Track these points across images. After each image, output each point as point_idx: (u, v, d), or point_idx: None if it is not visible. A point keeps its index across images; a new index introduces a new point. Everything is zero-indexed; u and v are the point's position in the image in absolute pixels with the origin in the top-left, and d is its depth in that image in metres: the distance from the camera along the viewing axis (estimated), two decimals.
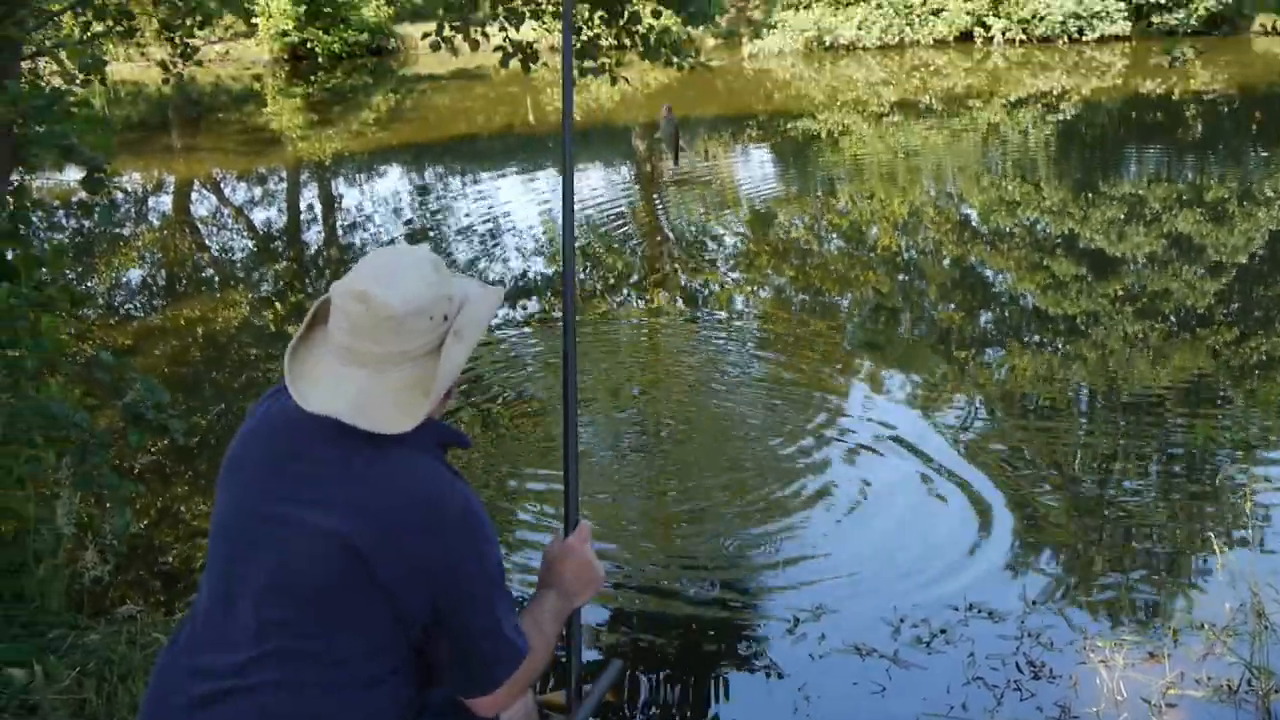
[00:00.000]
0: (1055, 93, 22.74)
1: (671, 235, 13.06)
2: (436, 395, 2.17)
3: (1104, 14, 29.61)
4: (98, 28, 7.49)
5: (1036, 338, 8.87)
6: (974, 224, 12.92)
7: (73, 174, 14.80)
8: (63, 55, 6.02)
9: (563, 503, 2.65)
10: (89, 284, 11.43)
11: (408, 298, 2.15)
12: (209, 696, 2.13)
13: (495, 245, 12.47)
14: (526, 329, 9.50)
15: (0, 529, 4.71)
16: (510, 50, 8.07)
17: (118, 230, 13.85)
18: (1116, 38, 29.75)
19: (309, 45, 32.52)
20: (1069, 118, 20.18)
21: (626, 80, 8.77)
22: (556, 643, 2.42)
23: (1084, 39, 29.69)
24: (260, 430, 2.27)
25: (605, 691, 2.54)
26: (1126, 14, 29.68)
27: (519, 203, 14.63)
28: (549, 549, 2.55)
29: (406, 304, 2.15)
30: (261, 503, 2.19)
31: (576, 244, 12.16)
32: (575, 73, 8.50)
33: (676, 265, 11.73)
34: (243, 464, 2.26)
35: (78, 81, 6.71)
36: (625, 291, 10.83)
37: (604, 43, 8.77)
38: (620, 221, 13.67)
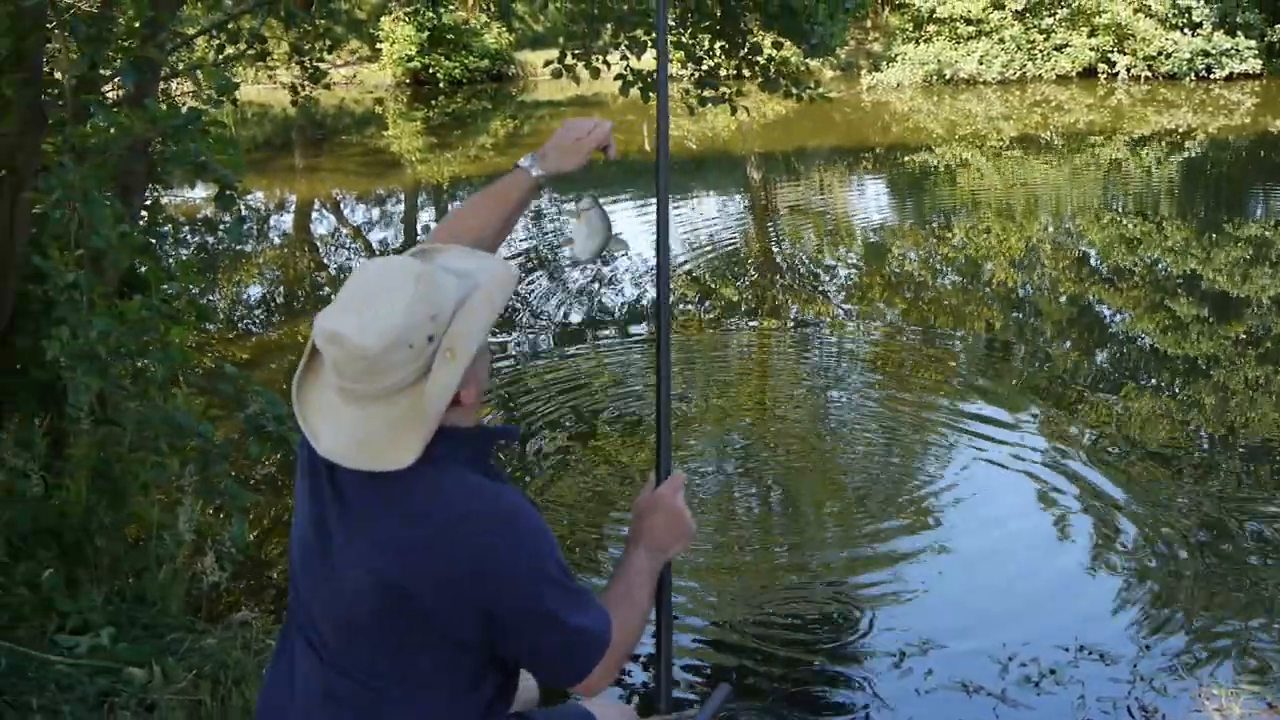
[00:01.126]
0: (1180, 130, 22.32)
1: (784, 265, 13.05)
2: (429, 425, 2.02)
3: (1234, 51, 28.95)
4: (231, 51, 7.71)
5: (1155, 379, 8.71)
6: (1092, 261, 12.72)
7: (198, 191, 15.25)
8: (199, 76, 6.21)
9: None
10: (211, 299, 11.73)
11: (382, 331, 2.00)
12: None
13: (609, 271, 12.56)
14: (636, 354, 9.54)
15: (126, 533, 4.84)
16: (630, 78, 8.14)
17: (240, 247, 14.20)
18: (1246, 75, 29.09)
19: (431, 70, 33.10)
20: (1194, 155, 19.80)
21: (746, 110, 8.79)
22: (651, 605, 2.36)
23: (1212, 77, 29.07)
24: (306, 460, 2.24)
25: (715, 713, 2.52)
26: (1257, 52, 29.01)
27: (632, 229, 14.71)
28: (639, 501, 2.44)
29: (381, 339, 2.00)
30: (314, 535, 2.19)
31: (688, 271, 12.24)
32: (694, 101, 8.57)
33: (788, 295, 11.72)
34: (299, 494, 2.25)
35: (210, 102, 6.92)
36: (736, 319, 10.84)
37: (724, 72, 8.81)
38: (733, 250, 13.70)
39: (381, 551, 2.05)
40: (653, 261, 12.67)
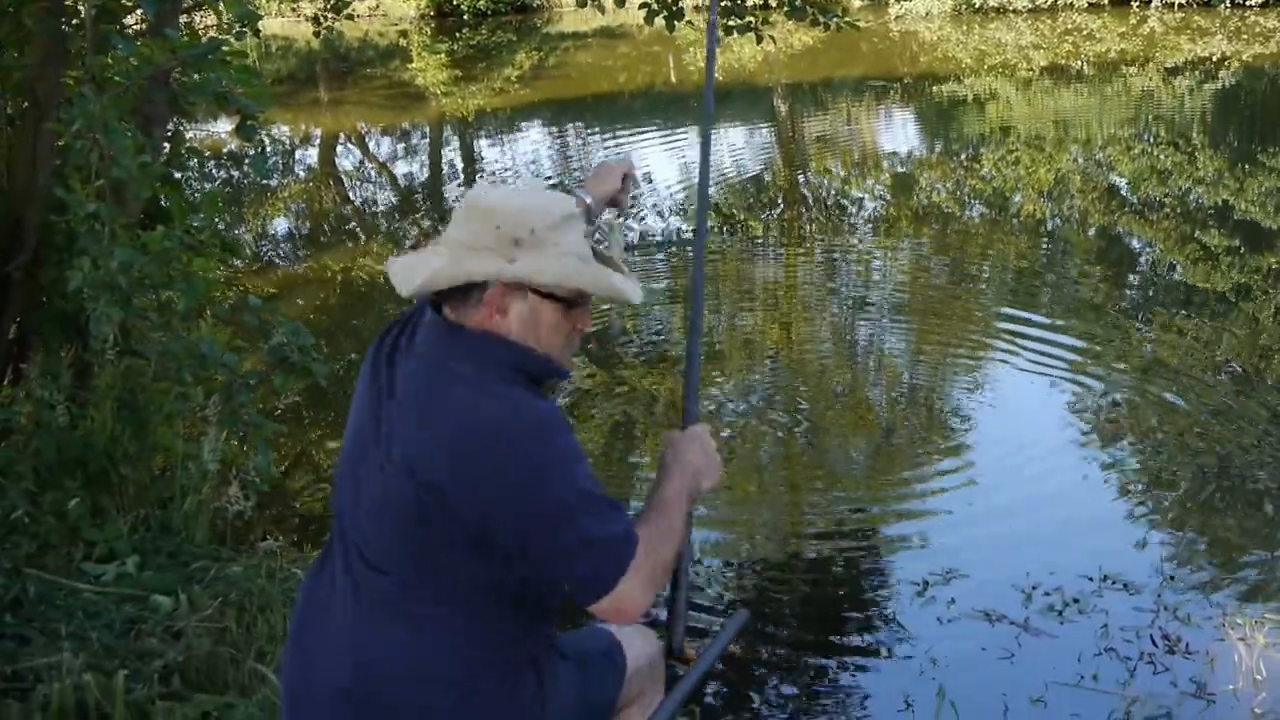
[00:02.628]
0: (1214, 59, 21.94)
1: (811, 196, 12.96)
2: (453, 270, 2.16)
3: None
4: None
5: (1186, 310, 8.62)
6: (1123, 192, 12.57)
7: (223, 125, 15.21)
8: (220, 6, 6.16)
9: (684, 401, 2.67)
10: (237, 232, 11.74)
11: (501, 198, 2.20)
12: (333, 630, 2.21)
13: (633, 202, 12.49)
14: (662, 284, 9.51)
15: (151, 463, 4.87)
16: (655, 6, 8.05)
17: (265, 181, 14.18)
18: None
19: (455, 2, 32.86)
20: (1228, 85, 19.48)
21: (772, 39, 8.68)
22: (684, 532, 2.29)
23: (1248, 3, 28.56)
24: (365, 370, 2.31)
25: (730, 639, 2.50)
26: None
27: (659, 160, 14.63)
28: (671, 436, 2.43)
29: (497, 202, 2.19)
30: (361, 444, 2.23)
31: (714, 202, 12.16)
32: (720, 31, 8.47)
33: (815, 226, 11.65)
34: (354, 405, 2.31)
35: (232, 34, 6.87)
36: (762, 250, 10.79)
37: (750, 1, 8.70)
38: (760, 181, 13.61)
39: (420, 442, 2.09)
40: (679, 195, 12.61)
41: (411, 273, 2.20)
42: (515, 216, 2.16)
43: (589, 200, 2.79)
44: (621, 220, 3.01)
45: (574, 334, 2.26)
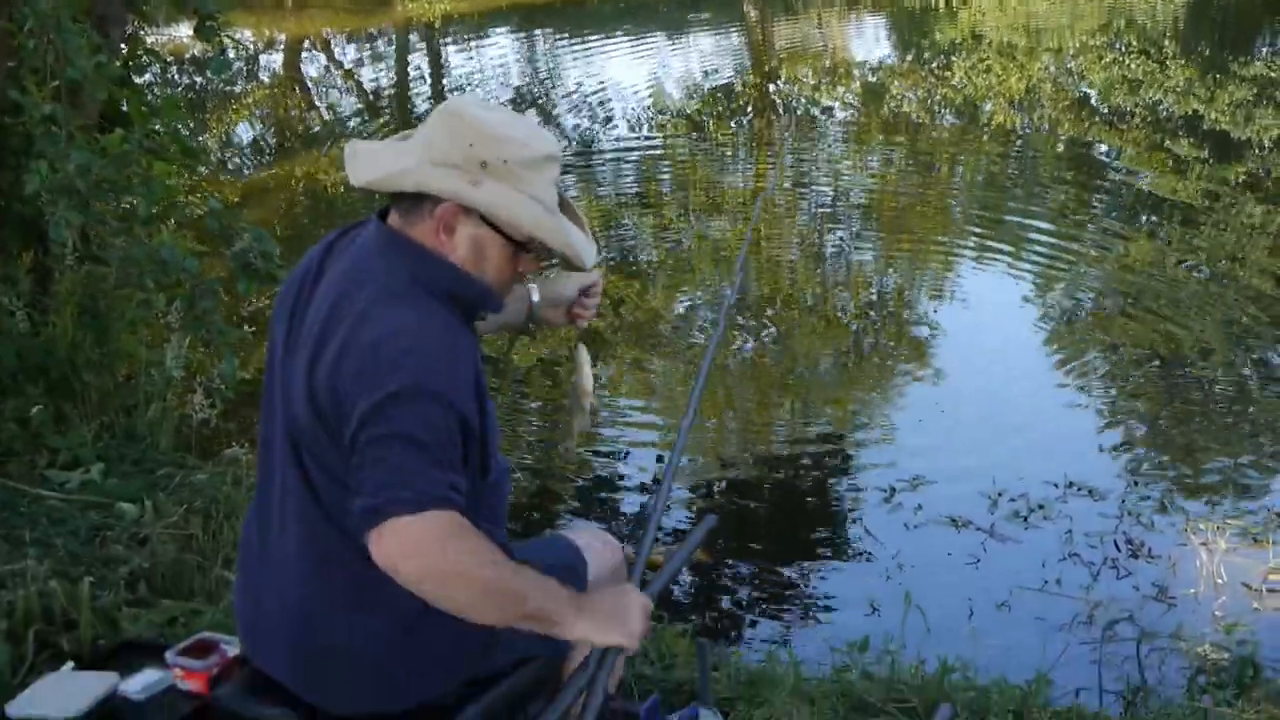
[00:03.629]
0: None
1: (781, 104, 12.85)
2: (423, 181, 2.05)
3: None
4: None
5: (1153, 220, 8.63)
6: (1093, 102, 12.51)
7: (186, 30, 14.92)
8: None
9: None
10: (200, 140, 11.54)
11: (482, 116, 2.08)
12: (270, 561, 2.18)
13: (603, 110, 12.36)
14: (626, 209, 9.44)
15: (114, 370, 4.81)
16: None
17: (228, 87, 13.93)
18: None
19: None
20: None
21: None
22: (524, 618, 1.97)
23: None
24: (296, 273, 2.22)
25: (697, 545, 2.48)
26: None
27: (627, 68, 14.45)
28: (622, 587, 2.17)
29: (476, 120, 2.07)
30: (278, 355, 2.17)
31: (682, 111, 12.05)
32: None
33: (785, 134, 11.56)
34: (276, 311, 2.23)
35: None
36: (732, 160, 10.71)
37: None
38: (729, 90, 13.46)
39: (330, 351, 2.01)
40: (647, 103, 12.48)
41: (369, 162, 2.13)
42: (491, 141, 2.06)
43: (534, 298, 2.55)
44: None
45: (516, 277, 2.17)
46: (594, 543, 2.56)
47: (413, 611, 2.01)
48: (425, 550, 1.87)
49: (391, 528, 1.87)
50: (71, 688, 2.39)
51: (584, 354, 2.68)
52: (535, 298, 2.55)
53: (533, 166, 2.08)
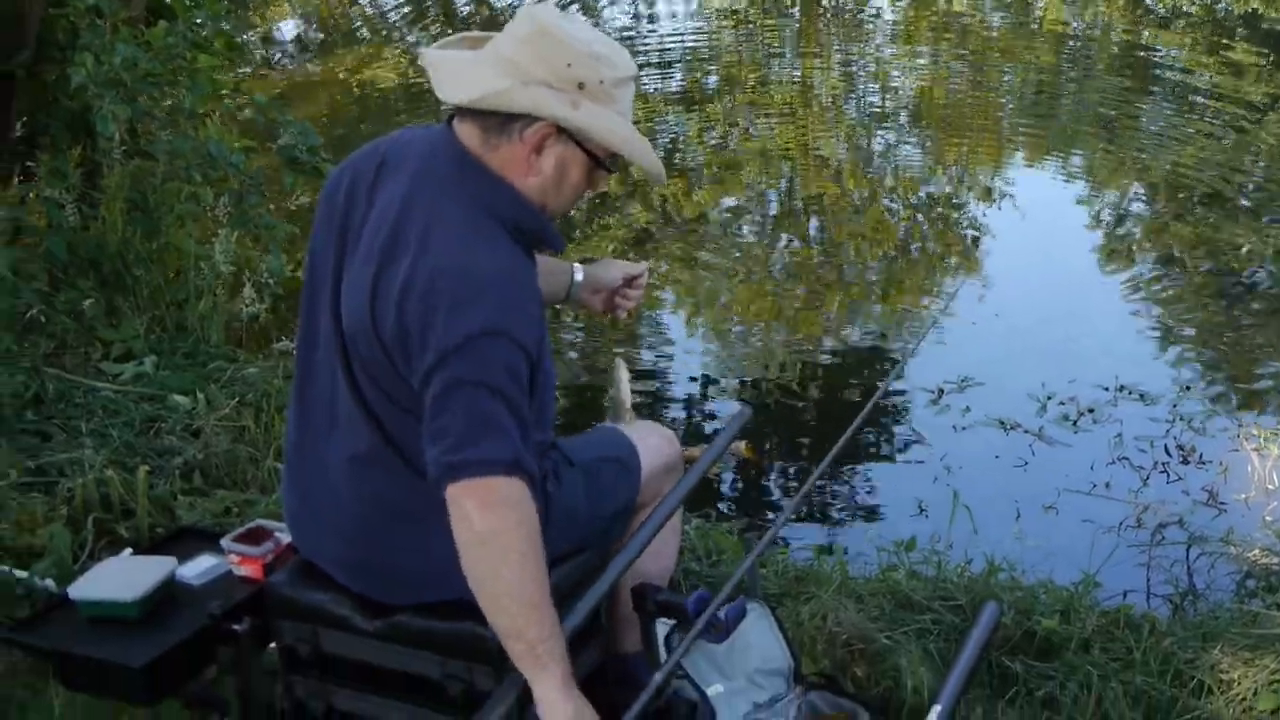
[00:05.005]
0: None
1: (827, 3, 12.62)
2: (515, 97, 1.99)
3: None
4: None
5: (1210, 121, 8.44)
6: (1148, 1, 12.22)
7: None
8: None
9: None
10: (244, 38, 11.47)
11: (576, 33, 2.03)
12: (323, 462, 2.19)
13: (645, 4, 12.18)
14: (671, 106, 9.33)
15: (163, 264, 4.83)
16: None
17: None
18: None
19: None
20: None
21: None
22: (512, 630, 1.93)
23: None
24: (343, 178, 2.19)
25: (732, 436, 2.45)
26: None
27: None
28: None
29: (572, 37, 2.02)
30: (326, 256, 2.14)
31: (728, 6, 11.85)
32: None
33: (833, 34, 11.38)
34: (322, 213, 2.20)
35: None
36: (779, 60, 10.56)
37: None
38: None
39: (390, 270, 2.00)
40: None
41: (455, 78, 2.06)
42: (588, 62, 2.02)
43: (577, 278, 2.52)
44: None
45: (584, 194, 2.17)
46: (649, 436, 2.54)
47: None
48: (500, 516, 1.91)
49: (481, 485, 1.90)
50: (131, 572, 2.42)
51: (623, 369, 2.66)
52: (579, 277, 2.55)
53: (622, 85, 2.08)
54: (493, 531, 1.91)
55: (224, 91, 5.62)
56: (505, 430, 1.93)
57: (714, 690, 2.54)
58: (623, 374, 2.66)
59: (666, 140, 8.20)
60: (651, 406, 4.91)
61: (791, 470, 4.54)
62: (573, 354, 5.40)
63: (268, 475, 3.71)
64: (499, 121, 2.04)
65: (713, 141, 8.29)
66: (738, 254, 6.34)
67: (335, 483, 2.17)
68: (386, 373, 2.04)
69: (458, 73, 2.08)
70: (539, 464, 2.10)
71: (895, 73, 10.11)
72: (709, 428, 4.80)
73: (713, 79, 9.97)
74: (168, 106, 5.03)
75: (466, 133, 2.07)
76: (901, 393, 4.97)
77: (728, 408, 4.91)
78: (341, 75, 10.13)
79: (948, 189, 7.32)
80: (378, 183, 2.12)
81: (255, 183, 4.93)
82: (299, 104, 8.93)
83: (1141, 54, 10.46)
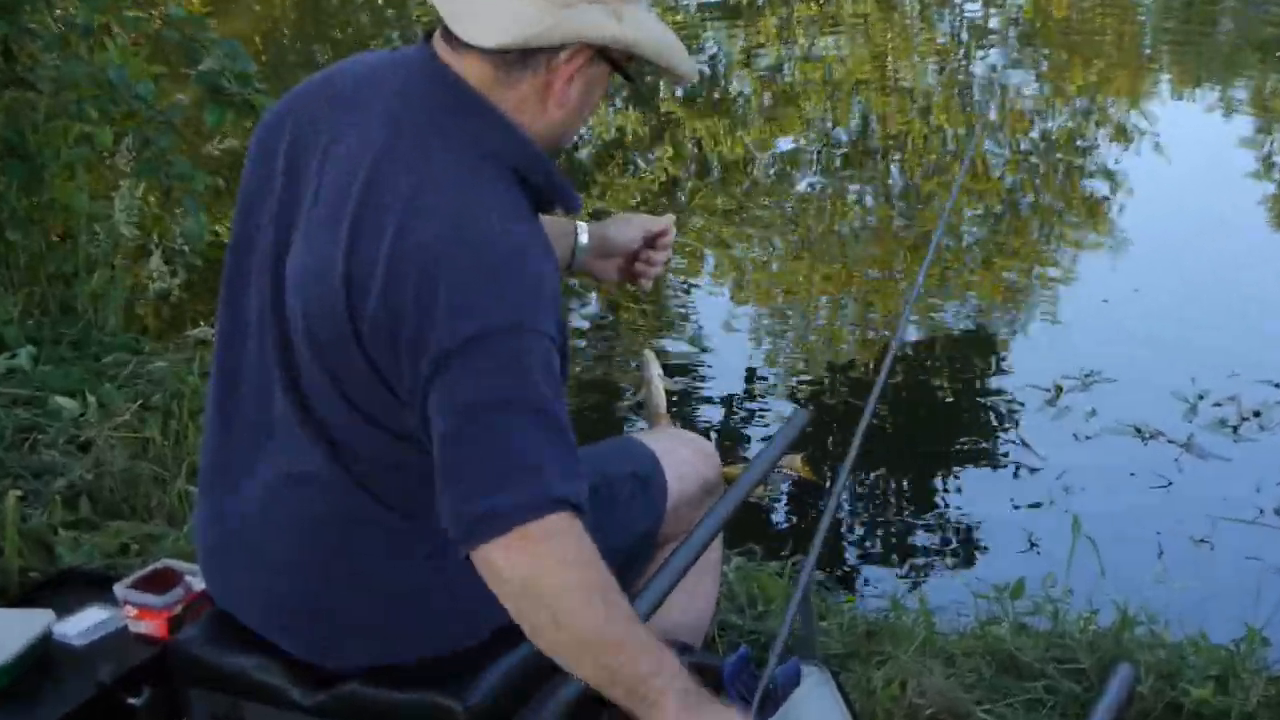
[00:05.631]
0: None
1: None
2: (555, 25, 1.96)
3: None
4: None
5: None
6: None
7: None
8: None
9: None
10: None
11: None
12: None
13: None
14: (711, 23, 9.32)
15: (46, 226, 4.83)
16: None
17: None
18: None
19: None
20: None
21: None
22: (613, 680, 1.91)
23: None
24: (275, 119, 2.16)
25: (784, 448, 2.42)
26: None
27: None
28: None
29: None
30: (263, 217, 2.11)
31: None
32: None
33: None
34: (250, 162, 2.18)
35: None
36: None
37: None
38: None
39: (348, 228, 1.96)
40: None
41: (480, 10, 2.00)
42: None
43: (582, 239, 2.53)
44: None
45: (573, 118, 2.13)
46: (679, 448, 2.51)
47: (440, 557, 2.00)
48: (532, 556, 1.86)
49: (504, 540, 1.84)
50: None
51: (654, 364, 2.63)
52: (584, 239, 2.53)
53: None
54: (530, 577, 1.86)
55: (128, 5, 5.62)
56: (537, 464, 1.87)
57: None
58: (654, 368, 2.64)
59: (703, 64, 8.19)
60: (680, 408, 4.89)
61: (861, 493, 4.51)
62: (580, 342, 5.39)
63: (177, 502, 3.70)
64: (521, 53, 2.00)
65: (763, 66, 8.27)
66: (794, 210, 6.32)
67: (268, 509, 2.14)
68: (353, 370, 1.99)
69: (472, 6, 2.04)
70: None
71: None
72: (755, 436, 4.80)
73: None
74: (57, 19, 5.03)
75: (472, 68, 2.01)
76: (1007, 391, 4.95)
77: (780, 409, 4.90)
78: None
79: (1070, 126, 7.30)
80: (334, 126, 2.08)
81: (168, 121, 4.92)
82: (229, 15, 8.96)
83: None
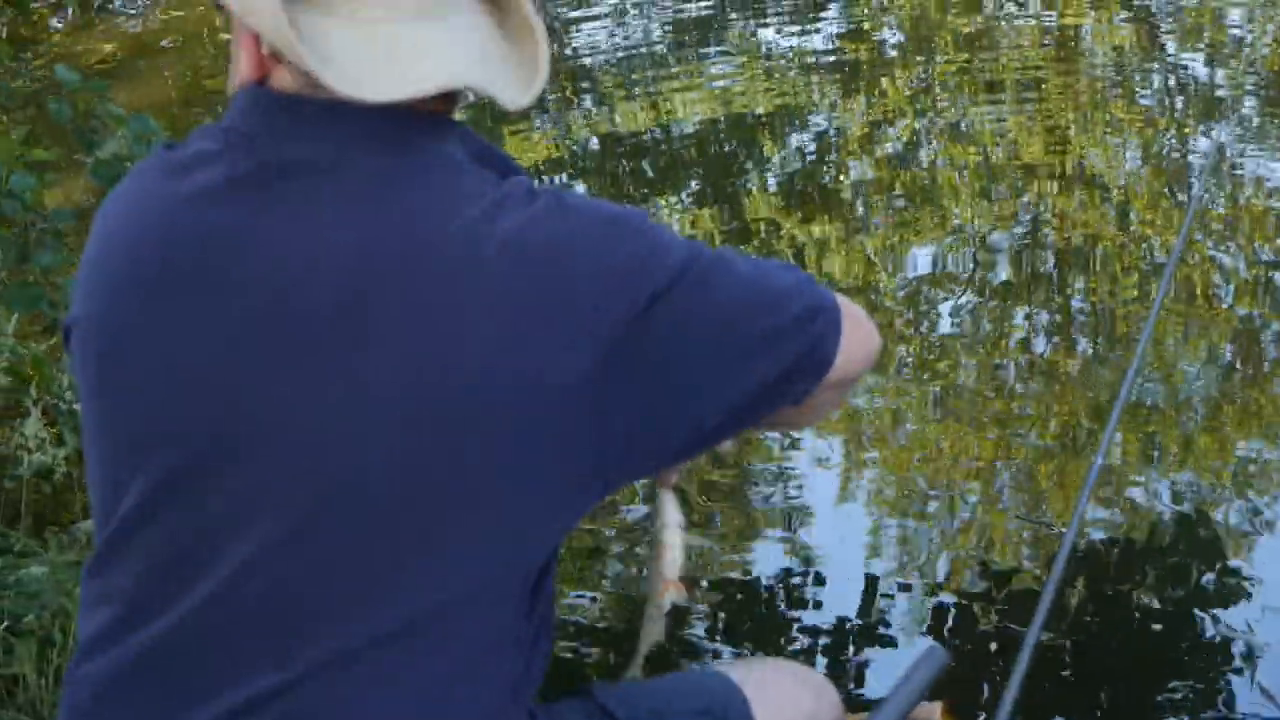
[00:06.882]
0: None
1: None
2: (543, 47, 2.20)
3: None
4: None
5: None
6: None
7: None
8: None
9: None
10: None
11: None
12: None
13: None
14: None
15: None
16: None
17: None
18: None
19: None
20: None
21: None
22: None
23: None
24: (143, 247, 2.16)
25: (919, 694, 2.47)
26: None
27: None
28: None
29: None
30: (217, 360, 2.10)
31: None
32: None
33: None
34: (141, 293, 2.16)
35: None
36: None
37: None
38: None
39: (409, 330, 2.02)
40: None
41: (400, 65, 2.11)
42: None
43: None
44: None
45: None
46: (779, 680, 2.55)
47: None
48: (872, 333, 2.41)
49: (851, 317, 2.31)
50: None
51: (672, 508, 2.63)
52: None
53: None
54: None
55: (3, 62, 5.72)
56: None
57: None
58: (672, 513, 2.64)
59: (807, 141, 8.29)
60: (770, 633, 4.91)
61: None
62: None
63: None
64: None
65: (891, 146, 8.37)
66: (933, 352, 6.36)
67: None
68: (492, 449, 2.04)
69: (392, 51, 2.11)
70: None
71: (1232, 13, 10.20)
72: (881, 674, 4.80)
73: (891, 27, 10.11)
74: None
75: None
76: (1234, 616, 4.93)
77: (911, 644, 4.91)
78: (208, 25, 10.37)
79: None
80: (256, 212, 2.11)
81: (54, 230, 4.97)
82: (138, 81, 9.13)
83: None
